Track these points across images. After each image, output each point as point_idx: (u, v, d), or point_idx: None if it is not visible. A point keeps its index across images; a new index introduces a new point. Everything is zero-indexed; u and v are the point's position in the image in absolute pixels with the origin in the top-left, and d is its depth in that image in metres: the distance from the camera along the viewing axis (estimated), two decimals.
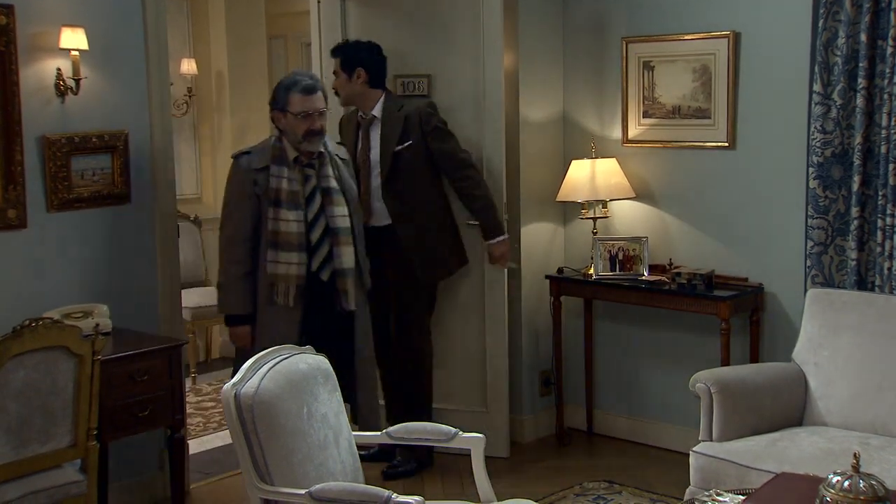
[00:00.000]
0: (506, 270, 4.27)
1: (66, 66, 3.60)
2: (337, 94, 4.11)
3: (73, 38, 3.55)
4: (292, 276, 3.52)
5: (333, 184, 3.63)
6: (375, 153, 4.05)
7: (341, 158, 3.77)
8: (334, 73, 4.09)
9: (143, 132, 3.88)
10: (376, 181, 4.04)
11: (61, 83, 3.60)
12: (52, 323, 3.00)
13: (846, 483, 2.19)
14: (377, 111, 4.06)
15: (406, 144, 4.01)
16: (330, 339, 3.54)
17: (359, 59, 4.03)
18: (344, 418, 2.80)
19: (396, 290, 4.13)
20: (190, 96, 6.07)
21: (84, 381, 3.03)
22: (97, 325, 3.19)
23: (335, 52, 4.11)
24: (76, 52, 3.57)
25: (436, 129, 4.04)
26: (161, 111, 3.94)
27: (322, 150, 3.63)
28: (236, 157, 3.65)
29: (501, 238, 4.13)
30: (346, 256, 3.61)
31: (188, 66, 5.98)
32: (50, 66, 3.58)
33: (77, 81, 3.60)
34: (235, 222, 3.59)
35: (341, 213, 3.61)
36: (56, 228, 3.65)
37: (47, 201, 3.61)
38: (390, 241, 4.06)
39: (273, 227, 3.51)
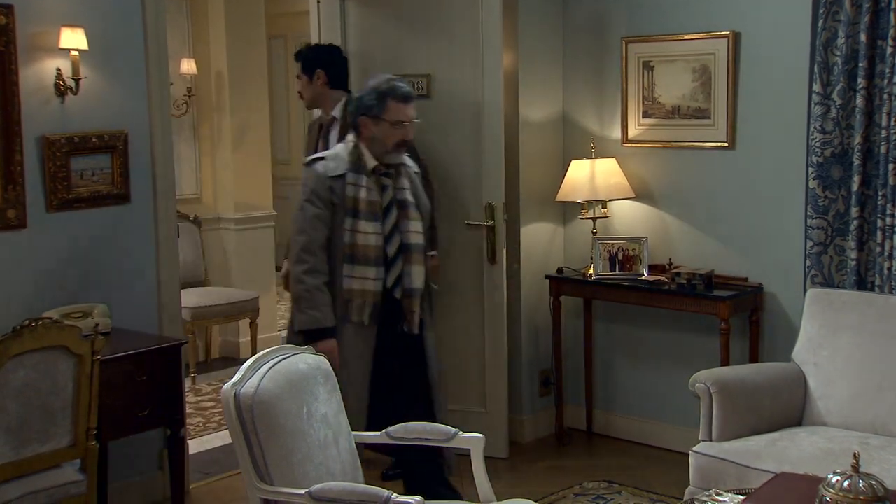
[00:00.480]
0: (504, 270, 4.25)
1: (65, 66, 3.60)
2: (301, 97, 4.19)
3: (73, 38, 3.55)
4: (369, 293, 3.35)
5: (409, 196, 3.47)
6: None
7: (414, 171, 3.62)
8: (297, 76, 4.15)
9: (143, 132, 3.88)
10: None
11: (61, 83, 3.60)
12: (51, 323, 3.00)
13: (846, 483, 2.19)
14: (337, 112, 4.06)
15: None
16: (398, 359, 3.47)
17: (318, 61, 4.09)
18: (343, 418, 2.80)
19: None
20: (189, 96, 6.07)
21: (83, 380, 3.02)
22: (97, 325, 3.19)
23: (297, 56, 4.17)
24: (76, 52, 3.57)
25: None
26: (161, 111, 3.94)
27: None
28: (311, 163, 3.46)
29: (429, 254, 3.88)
30: (417, 276, 3.43)
31: (188, 66, 5.98)
32: (49, 66, 3.58)
33: (77, 81, 3.60)
34: (312, 230, 3.36)
35: (415, 229, 3.44)
36: (55, 228, 3.65)
37: (47, 201, 3.61)
38: None
39: (350, 240, 3.33)
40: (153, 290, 3.95)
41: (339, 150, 3.47)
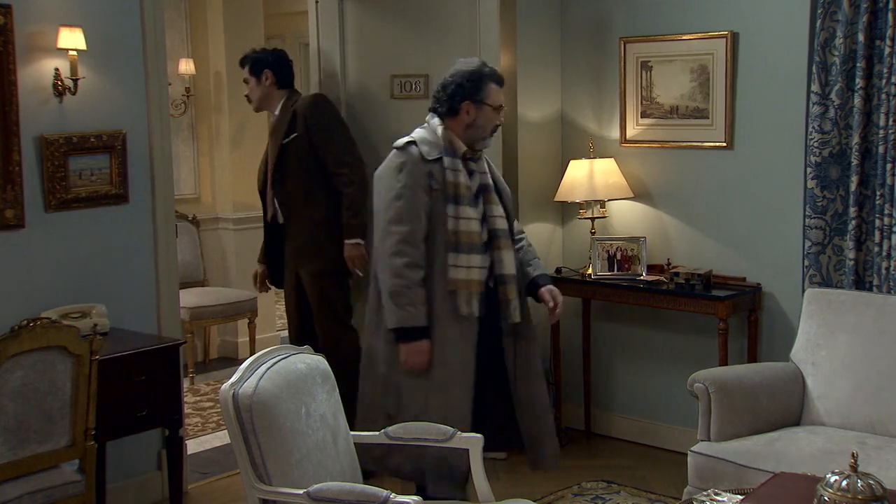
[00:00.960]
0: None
1: (64, 66, 3.59)
2: (249, 101, 4.29)
3: (71, 38, 3.55)
4: (474, 282, 3.15)
5: (489, 180, 3.29)
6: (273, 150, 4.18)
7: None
8: (245, 80, 4.25)
9: (141, 132, 3.88)
10: (272, 178, 4.18)
11: (59, 83, 3.60)
12: (49, 323, 2.99)
13: (844, 482, 2.19)
14: (278, 109, 4.19)
15: (291, 137, 4.10)
16: (494, 355, 3.28)
17: (266, 62, 4.19)
18: (342, 418, 2.80)
19: (307, 289, 4.24)
20: (188, 96, 6.07)
21: (82, 380, 3.02)
22: (95, 325, 3.19)
23: (243, 61, 4.27)
24: (74, 52, 3.57)
25: (319, 122, 4.09)
26: (159, 111, 3.94)
27: None
28: (404, 146, 3.20)
29: (354, 241, 4.09)
30: (508, 261, 3.23)
31: (186, 66, 5.98)
32: (48, 66, 3.58)
33: (75, 81, 3.60)
34: (412, 219, 3.12)
35: (500, 213, 3.26)
36: (54, 228, 3.64)
37: (45, 201, 3.60)
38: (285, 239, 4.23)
39: (453, 227, 3.13)
40: (151, 290, 3.95)
41: (425, 134, 3.24)
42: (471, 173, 3.24)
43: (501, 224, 3.24)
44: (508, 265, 3.23)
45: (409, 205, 3.12)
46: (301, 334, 4.29)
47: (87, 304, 3.59)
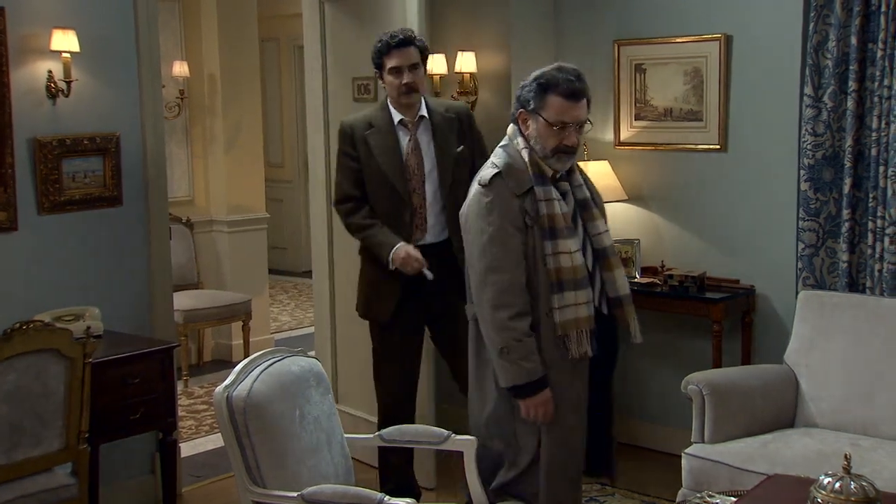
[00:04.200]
0: None
1: (57, 69, 3.59)
2: (412, 91, 3.48)
3: (65, 41, 3.54)
4: (583, 319, 2.77)
5: (587, 193, 2.89)
6: (430, 160, 3.53)
7: None
8: (412, 66, 3.46)
9: (135, 134, 3.87)
10: (432, 192, 3.52)
11: (52, 85, 3.59)
12: (42, 326, 2.99)
13: (837, 484, 2.19)
14: (424, 111, 3.56)
15: (460, 149, 3.55)
16: (603, 381, 2.96)
17: (427, 51, 3.56)
18: (336, 420, 2.80)
19: (455, 313, 3.39)
20: (182, 98, 6.06)
21: (75, 384, 3.01)
22: (88, 327, 3.18)
23: (412, 41, 3.48)
24: (67, 55, 3.56)
25: (478, 135, 3.64)
26: (153, 113, 3.93)
27: None
28: (490, 182, 2.76)
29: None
30: (621, 281, 2.89)
31: (180, 69, 5.97)
32: (41, 69, 3.57)
33: (68, 83, 3.59)
34: (510, 266, 2.73)
35: (603, 229, 2.89)
36: (47, 231, 3.63)
37: (38, 204, 3.59)
38: (447, 260, 3.45)
39: (554, 265, 2.74)
40: (145, 292, 3.94)
41: (509, 159, 2.80)
42: (564, 194, 2.82)
43: (608, 240, 2.88)
44: (622, 285, 2.88)
45: (506, 249, 2.73)
46: (405, 399, 3.64)
47: (81, 307, 3.58)
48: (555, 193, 2.77)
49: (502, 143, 2.85)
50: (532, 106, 2.76)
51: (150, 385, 3.44)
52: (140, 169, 3.90)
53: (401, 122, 3.54)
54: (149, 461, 3.96)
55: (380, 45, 3.50)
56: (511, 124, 2.86)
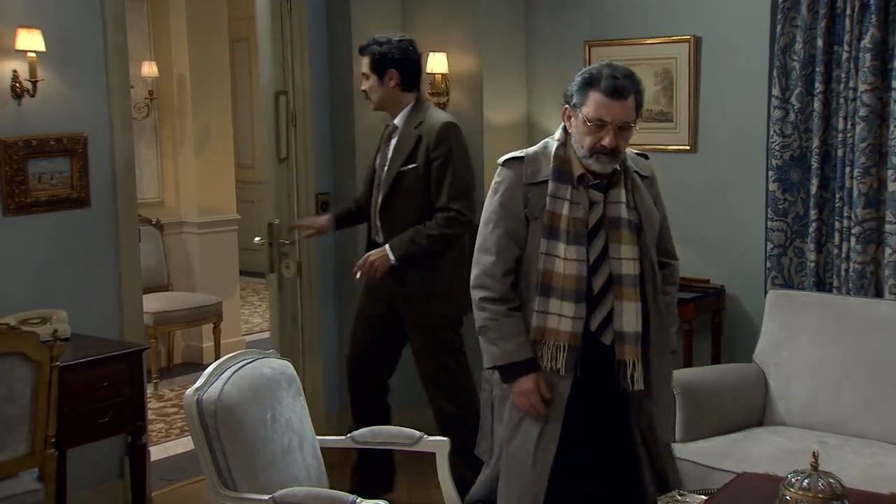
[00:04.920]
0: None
1: (22, 68, 3.53)
2: (367, 96, 3.71)
3: (30, 40, 3.49)
4: (564, 334, 2.59)
5: (624, 213, 2.64)
6: (386, 169, 3.68)
7: (643, 176, 2.78)
8: (363, 74, 3.66)
9: (103, 135, 3.83)
10: (379, 199, 3.69)
11: (17, 85, 3.54)
12: (8, 329, 2.94)
13: (805, 482, 2.22)
14: (399, 121, 3.66)
15: (409, 167, 3.61)
16: (614, 422, 2.70)
17: (392, 60, 3.59)
18: (308, 422, 2.78)
19: (411, 323, 3.74)
20: (151, 99, 6.00)
21: (42, 387, 2.97)
22: (55, 330, 3.14)
23: (364, 49, 3.65)
24: (33, 54, 3.51)
25: (442, 154, 3.58)
26: (121, 114, 3.89)
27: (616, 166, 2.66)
28: (505, 162, 2.71)
29: (389, 256, 3.60)
30: (628, 315, 2.61)
31: (149, 69, 5.92)
32: (5, 68, 3.52)
33: (34, 83, 3.54)
34: (499, 250, 2.65)
35: (628, 256, 2.62)
36: (13, 233, 3.58)
37: (3, 205, 3.54)
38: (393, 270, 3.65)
39: (544, 265, 2.60)
40: (114, 295, 3.89)
41: (540, 149, 2.71)
42: (592, 204, 2.63)
43: (627, 269, 2.61)
44: (628, 321, 2.61)
45: (497, 232, 2.65)
46: (363, 364, 3.87)
47: (48, 310, 3.53)
48: (569, 194, 2.61)
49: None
50: (574, 101, 2.62)
51: (118, 388, 3.40)
52: (108, 170, 3.86)
53: (386, 126, 3.79)
54: (118, 465, 3.92)
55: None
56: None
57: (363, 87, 3.69)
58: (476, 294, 2.69)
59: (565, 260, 2.59)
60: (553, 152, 2.66)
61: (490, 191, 2.74)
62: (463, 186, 3.61)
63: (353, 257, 4.01)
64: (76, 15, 3.72)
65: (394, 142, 3.68)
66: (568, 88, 2.65)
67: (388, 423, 3.71)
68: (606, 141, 2.57)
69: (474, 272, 2.71)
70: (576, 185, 2.62)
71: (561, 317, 2.59)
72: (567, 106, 2.65)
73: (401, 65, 3.60)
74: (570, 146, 2.65)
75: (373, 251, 3.68)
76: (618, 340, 2.63)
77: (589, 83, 2.60)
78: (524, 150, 2.73)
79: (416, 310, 3.70)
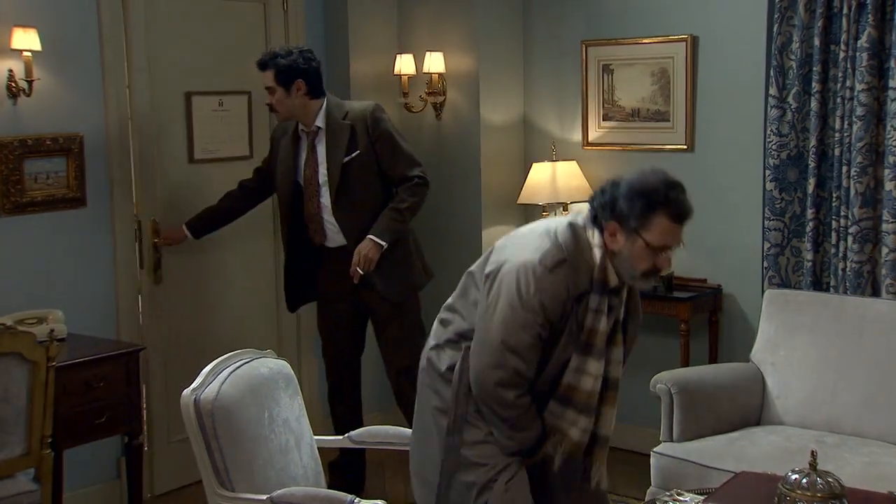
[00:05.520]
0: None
1: (17, 68, 3.52)
2: (273, 110, 3.76)
3: (25, 39, 3.48)
4: (572, 442, 2.47)
5: (622, 313, 2.50)
6: (324, 168, 3.74)
7: None
8: (268, 88, 3.70)
9: (100, 135, 3.82)
10: (326, 199, 3.74)
11: (13, 84, 3.52)
12: (4, 329, 2.93)
13: (804, 480, 2.22)
14: (321, 121, 3.73)
15: (354, 154, 3.70)
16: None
17: (298, 70, 3.66)
18: (305, 422, 2.78)
19: (380, 316, 3.87)
20: None
21: (38, 388, 2.96)
22: (52, 330, 3.12)
23: (265, 65, 3.68)
24: (28, 53, 3.50)
25: (382, 133, 3.72)
26: (118, 114, 3.87)
27: None
28: (555, 266, 2.35)
29: (379, 241, 3.68)
30: (609, 418, 2.54)
31: None
32: (1, 68, 3.51)
33: (30, 83, 3.53)
34: (532, 357, 2.39)
35: (618, 358, 2.50)
36: (9, 233, 3.57)
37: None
38: (347, 262, 3.74)
39: (573, 381, 2.43)
40: (110, 294, 3.88)
41: (577, 252, 2.38)
42: (610, 309, 2.45)
43: (616, 372, 2.51)
44: (608, 423, 2.54)
45: (532, 338, 2.38)
46: (344, 373, 3.98)
47: (44, 310, 3.52)
48: (606, 307, 2.41)
49: (571, 221, 2.43)
50: (633, 224, 2.32)
51: (115, 388, 3.39)
52: (105, 170, 3.85)
53: (302, 131, 3.80)
54: (114, 466, 3.91)
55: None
56: (590, 214, 2.42)
57: (268, 102, 3.73)
58: (507, 394, 2.39)
59: (591, 377, 2.43)
60: (598, 264, 2.38)
61: (527, 290, 2.34)
62: (411, 153, 3.80)
63: None
64: (72, 14, 3.71)
65: (323, 141, 3.75)
66: (616, 205, 2.34)
67: (362, 421, 3.91)
68: (665, 264, 2.39)
69: (502, 374, 2.37)
70: (607, 295, 2.42)
71: (574, 426, 2.46)
72: (617, 224, 2.34)
73: (306, 74, 3.68)
74: (608, 259, 2.39)
75: (361, 245, 3.71)
76: (596, 443, 2.53)
77: (653, 206, 2.33)
78: (561, 247, 2.37)
79: (388, 287, 3.79)
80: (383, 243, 3.70)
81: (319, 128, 3.75)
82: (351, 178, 3.71)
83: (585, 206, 2.48)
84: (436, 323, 2.61)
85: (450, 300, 2.59)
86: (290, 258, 3.92)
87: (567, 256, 2.36)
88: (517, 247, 2.43)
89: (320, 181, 3.74)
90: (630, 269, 2.37)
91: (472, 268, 2.55)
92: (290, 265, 3.93)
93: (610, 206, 2.35)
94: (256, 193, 4.00)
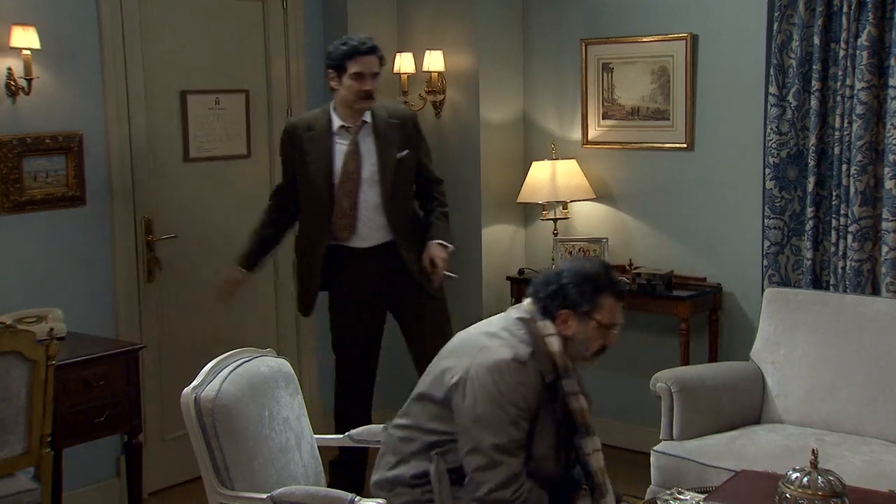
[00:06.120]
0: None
1: (17, 66, 3.52)
2: (370, 98, 3.56)
3: (24, 37, 3.47)
4: None
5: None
6: (370, 165, 3.59)
7: None
8: (374, 74, 3.54)
9: (99, 134, 3.81)
10: (368, 195, 3.60)
11: (12, 83, 3.52)
12: (4, 328, 2.93)
13: (805, 479, 2.22)
14: (367, 116, 3.62)
15: (405, 153, 3.64)
16: None
17: (384, 61, 3.65)
18: (305, 421, 2.77)
19: (418, 312, 3.74)
20: None
21: (38, 386, 2.96)
22: (51, 329, 3.12)
23: (375, 49, 3.56)
24: (28, 52, 3.50)
25: (423, 137, 3.76)
26: (117, 112, 3.87)
27: None
28: (527, 360, 2.43)
29: (443, 245, 3.66)
30: None
31: None
32: (0, 66, 3.50)
33: (29, 81, 3.52)
34: (520, 450, 2.42)
35: (594, 448, 2.58)
36: (8, 231, 3.56)
37: None
38: (394, 260, 3.63)
39: (596, 465, 2.56)
40: (109, 293, 3.88)
41: (535, 343, 2.48)
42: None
43: (598, 462, 2.59)
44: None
45: (520, 433, 2.42)
46: (359, 376, 3.85)
47: (44, 309, 3.51)
48: (578, 387, 2.51)
49: (519, 316, 2.54)
50: (585, 308, 2.48)
51: (115, 387, 3.38)
52: (104, 168, 3.84)
53: (341, 127, 3.62)
54: (114, 464, 3.90)
55: (345, 48, 3.54)
56: (534, 307, 2.55)
57: (368, 88, 3.54)
58: (505, 493, 2.39)
59: (600, 452, 2.55)
60: (557, 350, 2.48)
61: (507, 384, 2.39)
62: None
63: None
64: (71, 12, 3.71)
65: (370, 136, 3.61)
66: (567, 293, 2.49)
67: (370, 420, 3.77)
68: (614, 341, 2.55)
69: (501, 478, 2.38)
70: (573, 377, 2.53)
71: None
72: (568, 311, 2.48)
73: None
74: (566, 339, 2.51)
75: (435, 251, 3.60)
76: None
77: (600, 289, 2.49)
78: (527, 340, 2.47)
79: (420, 285, 3.66)
80: (451, 246, 3.68)
81: (366, 122, 3.62)
82: (399, 175, 3.63)
83: (525, 301, 2.57)
84: (392, 442, 2.57)
85: (403, 420, 2.58)
86: (314, 260, 3.67)
87: (534, 348, 2.46)
88: (473, 350, 2.46)
89: (364, 176, 3.58)
90: (584, 350, 2.52)
91: (421, 389, 2.56)
92: (313, 266, 3.68)
93: (560, 296, 2.49)
94: (293, 210, 3.73)
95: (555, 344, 2.48)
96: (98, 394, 3.33)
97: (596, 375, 4.52)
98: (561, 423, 2.50)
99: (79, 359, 3.30)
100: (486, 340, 2.49)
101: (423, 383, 2.56)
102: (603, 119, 4.44)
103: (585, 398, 2.55)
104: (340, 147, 3.60)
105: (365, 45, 3.54)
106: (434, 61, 4.48)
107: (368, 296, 3.72)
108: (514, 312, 2.57)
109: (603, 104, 4.42)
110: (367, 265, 3.65)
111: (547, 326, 2.50)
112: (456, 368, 2.46)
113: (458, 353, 2.52)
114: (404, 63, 4.54)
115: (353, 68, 3.52)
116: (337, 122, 3.62)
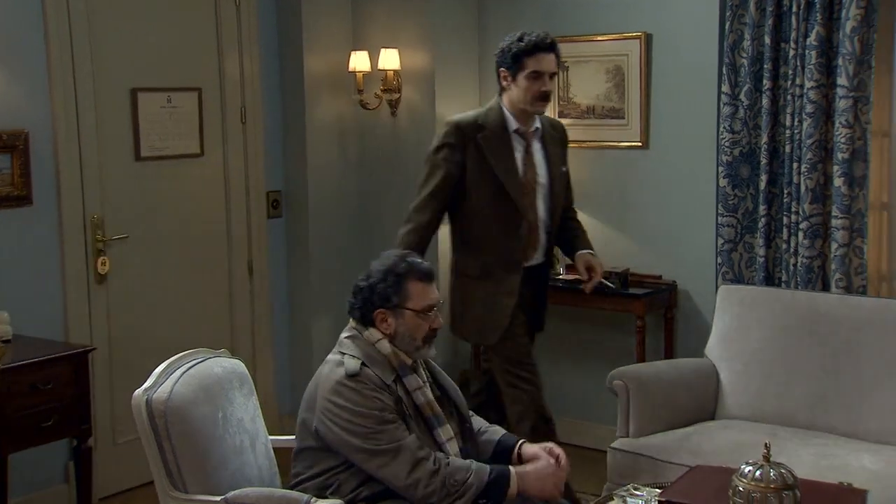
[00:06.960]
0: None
1: None
2: (547, 100, 3.33)
3: None
4: None
5: (436, 391, 2.68)
6: (541, 176, 3.37)
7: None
8: (552, 75, 3.31)
9: (46, 131, 3.73)
10: (543, 208, 3.37)
11: None
12: None
13: (758, 472, 2.24)
14: (538, 122, 3.39)
15: (565, 170, 3.49)
16: None
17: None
18: (260, 422, 2.74)
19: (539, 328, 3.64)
20: None
21: None
22: None
23: (553, 46, 3.31)
24: None
25: (567, 153, 3.56)
26: (65, 110, 3.78)
27: None
28: (360, 371, 2.45)
29: (594, 255, 3.58)
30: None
31: None
32: None
33: None
34: (399, 444, 2.43)
35: (449, 435, 2.58)
36: None
37: None
38: (543, 277, 3.53)
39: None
40: (58, 295, 3.79)
41: (365, 350, 2.52)
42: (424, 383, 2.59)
43: (454, 449, 2.57)
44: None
45: (400, 422, 2.45)
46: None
47: None
48: (422, 381, 2.55)
49: (347, 335, 2.56)
50: (395, 301, 2.50)
51: (63, 391, 3.31)
52: (52, 167, 3.75)
53: (516, 130, 3.34)
54: (62, 470, 3.82)
55: (523, 44, 3.27)
56: (354, 322, 2.57)
57: (545, 89, 3.28)
58: (423, 469, 2.41)
59: (452, 439, 2.59)
60: (388, 351, 2.52)
61: (353, 404, 2.42)
62: None
63: (309, 257, 3.94)
64: (15, 6, 3.62)
65: (540, 144, 3.39)
66: (371, 294, 2.51)
67: None
68: (438, 322, 2.57)
69: (410, 461, 2.41)
70: (413, 373, 2.56)
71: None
72: (382, 310, 2.51)
73: None
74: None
75: (594, 260, 3.48)
76: None
77: (401, 276, 2.51)
78: (353, 355, 2.49)
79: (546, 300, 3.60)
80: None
81: (538, 128, 3.39)
82: (562, 191, 3.46)
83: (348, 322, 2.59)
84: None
85: (294, 480, 2.56)
86: (509, 283, 3.33)
87: (363, 358, 2.48)
88: (315, 388, 2.51)
89: (539, 186, 3.35)
90: (412, 341, 2.53)
91: (297, 447, 2.58)
92: (507, 289, 3.34)
93: (368, 300, 2.52)
94: (438, 224, 3.47)
95: (385, 347, 2.52)
96: (45, 398, 3.25)
97: (553, 373, 4.55)
98: (415, 418, 2.51)
99: (25, 362, 3.22)
100: (324, 371, 2.52)
101: (298, 439, 2.58)
102: (559, 118, 4.45)
103: (440, 388, 2.61)
104: (516, 154, 3.32)
105: (545, 41, 3.26)
106: (389, 59, 4.46)
107: (531, 319, 3.51)
108: (344, 334, 2.59)
109: (559, 103, 4.44)
110: (534, 285, 3.44)
111: (372, 333, 2.53)
112: (311, 413, 2.49)
113: (308, 399, 2.54)
114: (359, 61, 4.51)
115: (531, 66, 3.23)
116: (513, 124, 3.32)
